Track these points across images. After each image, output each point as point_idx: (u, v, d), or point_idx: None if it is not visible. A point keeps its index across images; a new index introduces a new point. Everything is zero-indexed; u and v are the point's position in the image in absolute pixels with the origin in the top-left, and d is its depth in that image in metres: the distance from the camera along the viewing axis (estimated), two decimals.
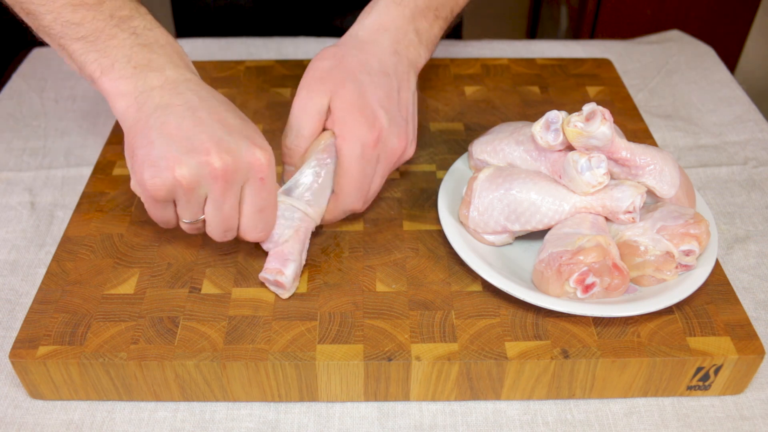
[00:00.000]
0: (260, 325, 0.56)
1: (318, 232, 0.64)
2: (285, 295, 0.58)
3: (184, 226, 0.57)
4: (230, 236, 0.57)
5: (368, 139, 0.58)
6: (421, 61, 0.65)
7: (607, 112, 0.56)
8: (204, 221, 0.56)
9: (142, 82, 0.54)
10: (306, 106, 0.60)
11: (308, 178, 0.59)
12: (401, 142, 0.61)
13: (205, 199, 0.54)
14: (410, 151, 0.63)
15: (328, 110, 0.60)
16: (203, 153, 0.52)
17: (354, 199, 0.60)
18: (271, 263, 0.57)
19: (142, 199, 0.55)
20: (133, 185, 0.55)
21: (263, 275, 0.57)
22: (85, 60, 0.54)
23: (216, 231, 0.56)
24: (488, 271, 0.57)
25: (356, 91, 0.59)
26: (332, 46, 0.62)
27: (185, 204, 0.54)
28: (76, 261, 0.62)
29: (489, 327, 0.56)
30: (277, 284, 0.57)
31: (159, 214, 0.56)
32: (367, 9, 0.65)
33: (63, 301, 0.58)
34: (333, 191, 0.61)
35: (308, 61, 0.88)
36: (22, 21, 0.57)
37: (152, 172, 0.52)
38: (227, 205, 0.54)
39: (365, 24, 0.63)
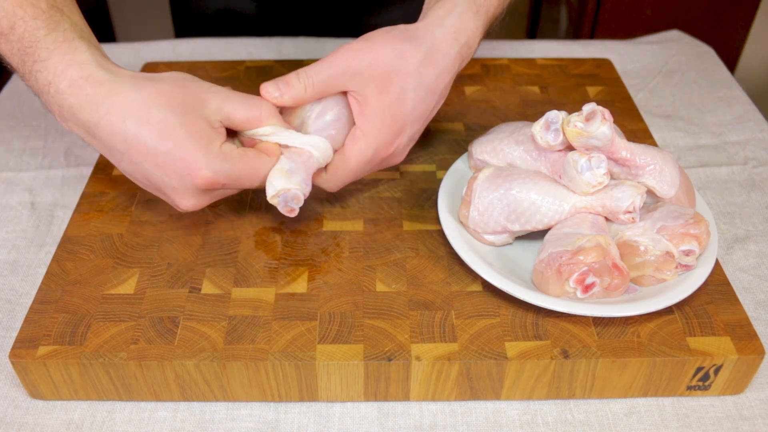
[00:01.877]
0: (260, 325, 0.56)
1: (318, 232, 0.64)
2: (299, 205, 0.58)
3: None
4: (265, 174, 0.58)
5: (383, 150, 0.60)
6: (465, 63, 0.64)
7: (607, 112, 0.56)
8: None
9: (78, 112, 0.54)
10: (342, 67, 0.57)
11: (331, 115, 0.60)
12: (401, 158, 0.63)
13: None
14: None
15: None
16: (169, 193, 0.56)
17: (336, 186, 0.62)
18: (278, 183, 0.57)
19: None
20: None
21: (274, 199, 0.57)
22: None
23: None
24: (488, 271, 0.57)
25: (398, 98, 0.58)
26: (404, 29, 0.59)
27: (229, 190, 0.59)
28: (76, 261, 0.62)
29: (489, 327, 0.56)
30: (294, 200, 0.57)
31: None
32: (444, 0, 0.61)
33: (63, 301, 0.58)
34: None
35: (308, 61, 0.88)
36: None
37: (178, 204, 0.57)
38: (226, 192, 0.59)
39: (445, 23, 0.60)
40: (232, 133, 0.59)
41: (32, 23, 0.54)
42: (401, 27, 0.60)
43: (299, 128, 0.60)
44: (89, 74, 0.54)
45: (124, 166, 0.56)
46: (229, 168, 0.55)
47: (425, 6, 0.64)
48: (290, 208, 0.58)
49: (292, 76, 0.58)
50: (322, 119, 0.59)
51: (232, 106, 0.57)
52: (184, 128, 0.53)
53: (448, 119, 0.78)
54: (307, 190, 0.58)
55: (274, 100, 0.58)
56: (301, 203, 0.57)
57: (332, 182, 0.62)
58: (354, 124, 0.60)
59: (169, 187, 0.55)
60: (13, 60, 0.55)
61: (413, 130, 0.61)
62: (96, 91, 0.53)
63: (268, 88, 0.59)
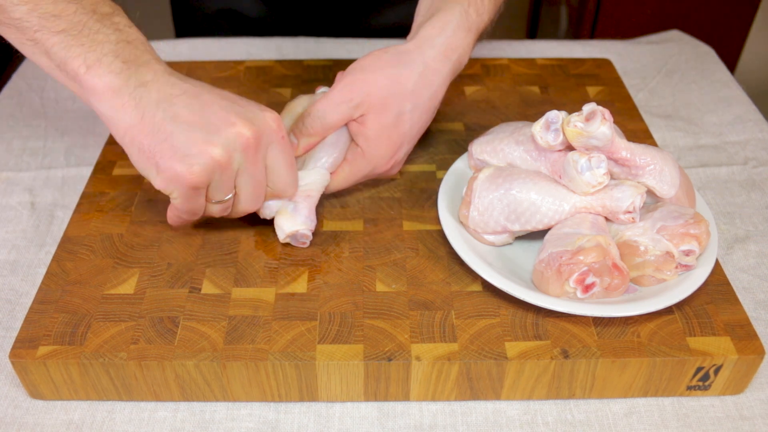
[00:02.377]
0: (260, 325, 0.56)
1: (318, 232, 0.64)
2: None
3: (214, 209, 0.58)
4: (259, 204, 0.59)
5: (381, 167, 0.64)
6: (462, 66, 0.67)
7: (607, 112, 0.56)
8: (232, 198, 0.57)
9: (134, 77, 0.53)
10: (344, 100, 0.61)
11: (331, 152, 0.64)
12: (397, 171, 0.67)
13: (235, 176, 0.56)
14: None
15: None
16: (229, 126, 0.53)
17: (331, 192, 0.66)
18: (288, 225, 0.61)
19: (178, 193, 0.54)
20: (164, 183, 0.54)
21: (287, 237, 0.61)
22: (68, 55, 0.52)
23: (248, 201, 0.58)
24: (488, 271, 0.57)
25: (396, 120, 0.62)
26: (396, 53, 0.62)
27: (219, 183, 0.55)
28: (76, 261, 0.62)
29: (489, 327, 0.56)
30: (303, 237, 0.61)
31: (192, 204, 0.56)
32: (435, 18, 0.63)
33: (63, 301, 0.58)
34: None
35: (308, 61, 0.88)
36: None
37: (188, 161, 0.52)
38: (258, 171, 0.56)
39: (436, 43, 0.62)
40: None
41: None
42: (393, 49, 0.62)
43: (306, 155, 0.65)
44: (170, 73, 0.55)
45: (203, 95, 0.55)
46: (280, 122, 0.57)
47: (417, 19, 0.66)
48: (302, 242, 0.62)
49: (301, 130, 0.63)
50: (325, 141, 0.64)
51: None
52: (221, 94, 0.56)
53: (448, 119, 0.78)
54: (313, 225, 0.61)
55: (298, 149, 0.63)
56: (310, 238, 0.62)
57: (329, 190, 0.65)
58: (352, 140, 0.64)
59: (240, 108, 0.55)
60: (79, 16, 0.52)
61: (410, 146, 0.65)
62: (174, 71, 0.55)
63: None
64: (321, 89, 0.68)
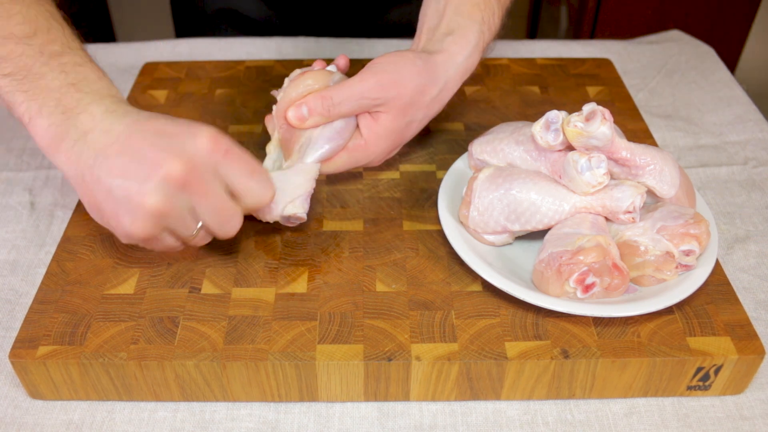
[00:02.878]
0: (260, 325, 0.56)
1: (318, 232, 0.64)
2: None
3: (194, 242, 0.55)
4: (237, 225, 0.55)
5: (375, 162, 0.65)
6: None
7: (607, 112, 0.56)
8: (203, 228, 0.54)
9: (73, 129, 0.50)
10: (370, 97, 0.61)
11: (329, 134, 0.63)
12: (377, 164, 0.67)
13: (191, 210, 0.52)
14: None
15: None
16: (158, 169, 0.49)
17: (325, 173, 0.64)
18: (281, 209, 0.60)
19: (142, 244, 0.53)
20: (123, 239, 0.53)
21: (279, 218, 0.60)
22: (13, 100, 0.51)
23: (220, 227, 0.54)
24: (488, 271, 0.57)
25: (407, 125, 0.64)
26: (427, 63, 0.62)
27: (176, 224, 0.52)
28: (76, 261, 0.62)
29: (489, 327, 0.56)
30: (298, 220, 0.60)
31: (160, 247, 0.54)
32: (459, 36, 0.64)
33: (63, 301, 0.58)
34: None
35: (309, 61, 0.88)
36: None
37: (130, 217, 0.50)
38: (212, 197, 0.52)
39: (458, 62, 0.64)
40: None
41: (63, 34, 0.53)
42: (424, 58, 0.63)
43: (307, 138, 0.63)
44: (117, 95, 0.53)
45: (133, 137, 0.51)
46: (233, 145, 0.53)
47: (426, 22, 0.67)
48: (292, 222, 0.61)
49: (316, 109, 0.61)
50: (332, 126, 0.62)
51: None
52: (178, 121, 0.52)
53: (448, 119, 0.78)
54: (307, 207, 0.60)
55: (305, 122, 0.62)
56: (303, 220, 0.61)
57: (321, 172, 0.64)
58: (357, 128, 0.64)
59: (167, 140, 0.50)
60: (25, 59, 0.51)
61: (404, 147, 0.68)
62: (116, 108, 0.52)
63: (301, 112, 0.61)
64: (328, 67, 0.66)
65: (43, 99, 0.51)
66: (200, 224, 0.53)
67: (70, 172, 0.51)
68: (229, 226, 0.54)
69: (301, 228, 0.65)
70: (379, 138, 0.63)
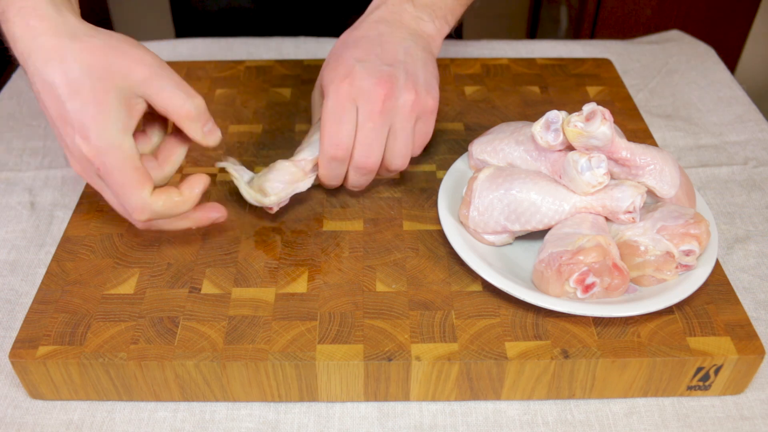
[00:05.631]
0: (260, 325, 0.56)
1: (318, 232, 0.64)
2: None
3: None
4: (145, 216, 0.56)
5: (340, 86, 0.60)
6: (423, 24, 0.66)
7: (607, 112, 0.56)
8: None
9: (7, 33, 0.53)
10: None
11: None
12: (381, 88, 0.59)
13: None
14: (424, 101, 0.61)
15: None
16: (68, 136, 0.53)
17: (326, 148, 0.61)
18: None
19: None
20: None
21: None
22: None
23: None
24: (488, 271, 0.57)
25: (340, 57, 0.63)
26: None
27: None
28: (76, 261, 0.62)
29: (489, 327, 0.56)
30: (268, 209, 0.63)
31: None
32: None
33: (63, 301, 0.58)
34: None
35: (308, 61, 0.88)
36: None
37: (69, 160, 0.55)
38: (105, 196, 0.56)
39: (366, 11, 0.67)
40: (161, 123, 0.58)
41: None
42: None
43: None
44: (38, 7, 0.52)
45: (42, 102, 0.53)
46: (111, 158, 0.52)
47: None
48: (268, 208, 0.63)
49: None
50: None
51: (159, 85, 0.53)
52: (92, 94, 0.51)
53: (448, 119, 0.78)
54: (283, 204, 0.63)
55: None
56: (274, 211, 0.64)
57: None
58: None
59: (64, 142, 0.54)
60: None
61: (366, 65, 0.61)
62: (38, 25, 0.52)
63: None
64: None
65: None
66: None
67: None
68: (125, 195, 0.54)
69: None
70: (327, 73, 0.62)
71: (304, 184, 0.63)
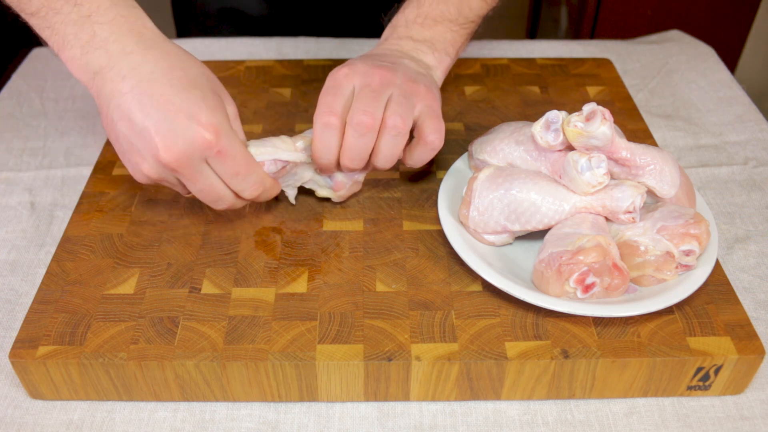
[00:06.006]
0: (260, 325, 0.56)
1: (318, 232, 0.64)
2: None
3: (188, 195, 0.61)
4: (228, 204, 0.59)
5: (339, 71, 0.62)
6: (423, 56, 0.68)
7: (607, 112, 0.56)
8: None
9: (90, 64, 0.54)
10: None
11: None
12: (379, 70, 0.61)
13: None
14: (425, 93, 0.63)
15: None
16: (153, 149, 0.53)
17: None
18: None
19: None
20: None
21: None
22: (43, 36, 0.54)
23: (213, 204, 0.59)
24: (488, 271, 0.57)
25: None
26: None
27: (173, 186, 0.58)
28: (76, 261, 0.62)
29: (489, 327, 0.56)
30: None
31: (176, 187, 0.59)
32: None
33: (63, 301, 0.58)
34: None
35: (308, 61, 0.88)
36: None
37: (131, 167, 0.56)
38: (201, 184, 0.56)
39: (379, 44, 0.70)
40: None
41: None
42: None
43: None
44: (135, 19, 0.55)
45: (144, 98, 0.54)
46: (230, 139, 0.55)
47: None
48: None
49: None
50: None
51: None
52: (194, 85, 0.55)
53: (448, 119, 0.78)
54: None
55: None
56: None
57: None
58: None
59: (171, 123, 0.53)
60: None
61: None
62: (133, 49, 0.54)
63: None
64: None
65: (64, 33, 0.53)
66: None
67: (96, 101, 0.55)
68: (219, 204, 0.59)
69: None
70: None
71: (291, 155, 0.61)
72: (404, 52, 0.67)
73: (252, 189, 0.58)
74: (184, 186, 0.58)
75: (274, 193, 0.61)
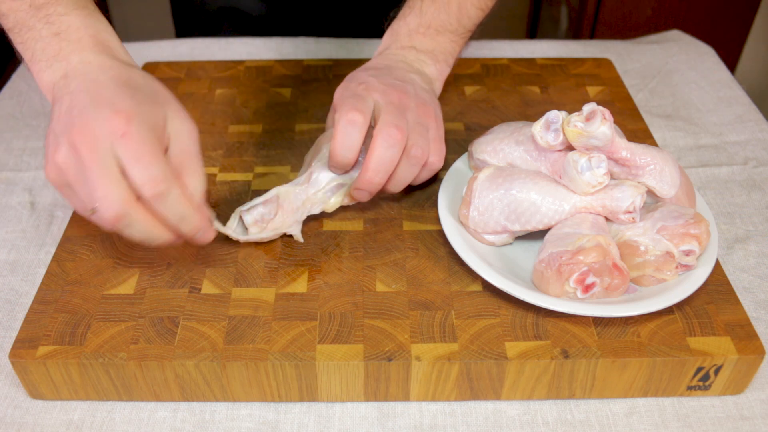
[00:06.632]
0: (260, 325, 0.56)
1: (318, 232, 0.64)
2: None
3: (90, 217, 0.54)
4: (112, 209, 0.51)
5: (358, 87, 0.63)
6: (426, 67, 0.71)
7: (607, 112, 0.56)
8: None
9: (54, 74, 0.55)
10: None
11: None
12: (396, 90, 0.64)
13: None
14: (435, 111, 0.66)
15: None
16: (67, 133, 0.52)
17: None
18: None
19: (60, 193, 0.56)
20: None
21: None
22: (19, 50, 0.57)
23: (101, 205, 0.52)
24: (488, 271, 0.57)
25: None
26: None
27: (77, 188, 0.53)
28: (76, 261, 0.62)
29: (489, 327, 0.56)
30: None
31: (73, 201, 0.55)
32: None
33: (63, 301, 0.58)
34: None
35: (308, 61, 0.88)
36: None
37: (46, 160, 0.54)
38: (99, 172, 0.51)
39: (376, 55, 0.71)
40: None
41: None
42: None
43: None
44: (104, 38, 0.57)
45: (80, 95, 0.54)
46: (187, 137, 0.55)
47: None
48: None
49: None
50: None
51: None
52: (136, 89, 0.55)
53: (448, 119, 0.78)
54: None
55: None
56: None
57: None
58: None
59: (91, 111, 0.52)
60: (19, 14, 0.56)
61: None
62: (91, 59, 0.56)
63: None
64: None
65: (33, 48, 0.56)
66: (96, 206, 0.52)
67: (51, 110, 0.56)
68: (105, 206, 0.51)
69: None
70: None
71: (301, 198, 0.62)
72: (409, 64, 0.69)
73: (153, 184, 0.51)
74: (83, 194, 0.52)
75: (189, 208, 0.54)
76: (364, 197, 0.62)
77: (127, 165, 0.51)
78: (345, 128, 0.59)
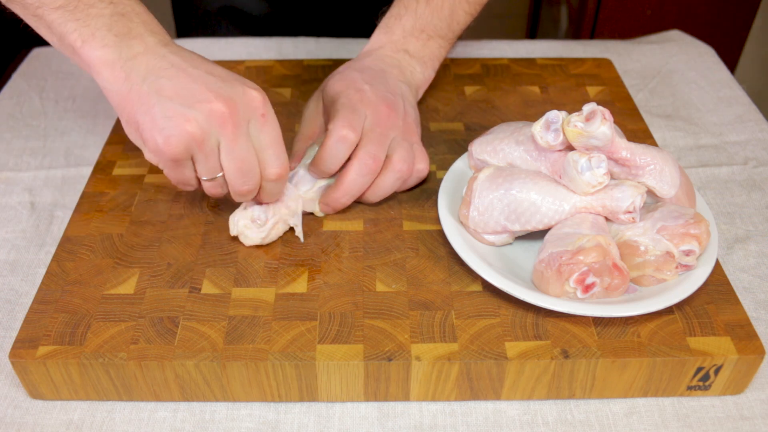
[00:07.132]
0: (260, 325, 0.56)
1: (318, 232, 0.64)
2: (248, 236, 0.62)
3: (206, 186, 0.58)
4: (251, 184, 0.58)
5: (354, 95, 0.66)
6: (415, 75, 0.74)
7: (607, 112, 0.56)
8: (223, 176, 0.57)
9: (126, 49, 0.54)
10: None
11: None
12: (386, 106, 0.66)
13: (219, 152, 0.56)
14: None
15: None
16: (206, 102, 0.54)
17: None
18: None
19: (161, 165, 0.57)
20: (149, 156, 0.57)
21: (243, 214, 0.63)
22: (65, 30, 0.54)
23: (236, 179, 0.57)
24: (488, 271, 0.57)
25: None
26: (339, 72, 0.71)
27: (202, 159, 0.56)
28: (76, 261, 0.62)
29: (489, 327, 0.56)
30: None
31: (179, 175, 0.58)
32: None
33: (63, 301, 0.58)
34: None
35: (308, 61, 0.88)
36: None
37: (165, 134, 0.53)
38: (240, 147, 0.55)
39: (362, 51, 0.74)
40: None
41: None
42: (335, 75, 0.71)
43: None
44: (168, 38, 0.58)
45: (189, 69, 0.56)
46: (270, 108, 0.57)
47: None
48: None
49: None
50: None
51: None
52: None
53: (448, 119, 0.78)
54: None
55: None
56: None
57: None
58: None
59: (222, 84, 0.55)
60: None
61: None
62: (168, 42, 0.57)
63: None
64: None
65: (95, 25, 0.54)
66: (220, 174, 0.57)
67: (114, 88, 0.55)
68: (243, 183, 0.57)
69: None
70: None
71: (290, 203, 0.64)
72: (401, 70, 0.72)
73: (283, 169, 0.58)
74: (210, 161, 0.56)
75: (281, 188, 0.61)
76: (329, 212, 0.66)
77: (264, 145, 0.57)
78: (336, 144, 0.63)
